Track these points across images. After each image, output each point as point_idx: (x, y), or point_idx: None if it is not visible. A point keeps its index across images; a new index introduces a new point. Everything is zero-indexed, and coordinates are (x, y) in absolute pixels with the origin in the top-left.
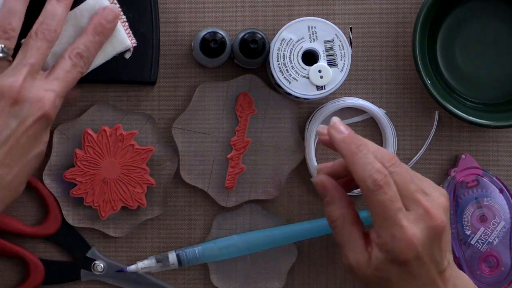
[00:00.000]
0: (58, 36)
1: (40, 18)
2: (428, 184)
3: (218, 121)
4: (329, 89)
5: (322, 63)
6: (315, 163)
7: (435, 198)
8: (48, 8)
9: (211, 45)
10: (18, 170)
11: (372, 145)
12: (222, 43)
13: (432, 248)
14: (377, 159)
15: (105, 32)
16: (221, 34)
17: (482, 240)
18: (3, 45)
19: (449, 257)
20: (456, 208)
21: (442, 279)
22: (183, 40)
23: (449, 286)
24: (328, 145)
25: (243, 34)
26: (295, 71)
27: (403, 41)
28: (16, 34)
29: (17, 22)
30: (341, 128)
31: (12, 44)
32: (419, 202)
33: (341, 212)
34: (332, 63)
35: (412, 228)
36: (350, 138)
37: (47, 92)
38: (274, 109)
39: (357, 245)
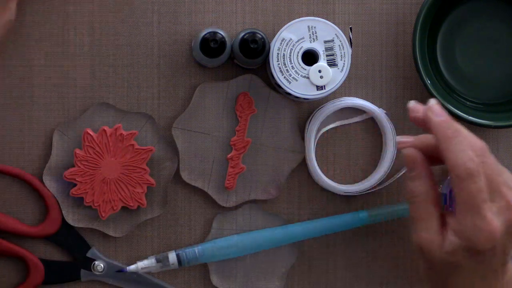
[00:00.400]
0: None
1: None
2: None
3: (218, 121)
4: (329, 89)
5: (322, 63)
6: (315, 163)
7: None
8: None
9: (211, 45)
10: None
11: (466, 133)
12: (222, 43)
13: (506, 241)
14: (471, 149)
15: None
16: (221, 34)
17: None
18: None
19: None
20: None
21: (502, 270)
22: (183, 40)
23: (506, 278)
24: (418, 124)
25: (243, 34)
26: (295, 71)
27: (403, 41)
28: None
29: None
30: (440, 111)
31: None
32: (503, 195)
33: (425, 188)
34: (332, 63)
35: (494, 220)
36: (448, 123)
37: None
38: (274, 109)
39: (433, 226)
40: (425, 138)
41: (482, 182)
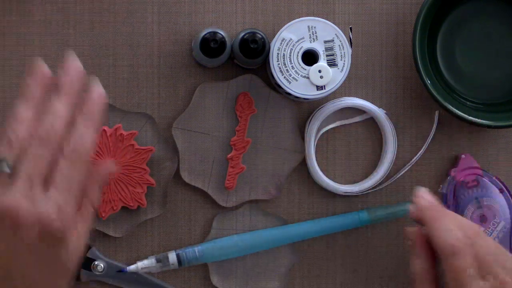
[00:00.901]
0: (59, 138)
1: (39, 121)
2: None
3: (218, 121)
4: (329, 89)
5: (322, 63)
6: (315, 163)
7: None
8: (48, 107)
9: (211, 45)
10: None
11: (456, 215)
12: (222, 43)
13: None
14: (460, 230)
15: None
16: (221, 34)
17: None
18: (7, 162)
19: None
20: (456, 208)
21: None
22: (183, 40)
23: None
24: (416, 220)
25: (243, 34)
26: (295, 71)
27: (403, 41)
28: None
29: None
30: (427, 196)
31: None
32: (496, 274)
33: (424, 267)
34: (332, 63)
35: None
36: (436, 206)
37: (48, 206)
38: (274, 109)
39: None
40: None
41: (470, 260)
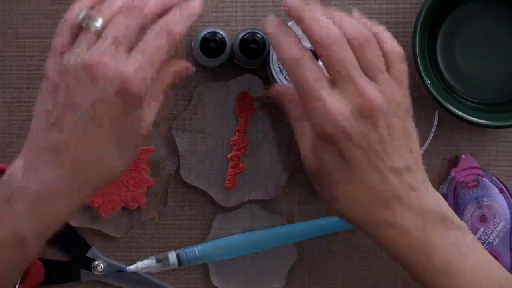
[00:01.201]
0: (150, 15)
1: None
2: (384, 75)
3: (218, 121)
4: None
5: (322, 63)
6: None
7: (383, 84)
8: None
9: (211, 45)
10: (103, 150)
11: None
12: (222, 43)
13: (365, 131)
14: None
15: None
16: (221, 34)
17: (482, 240)
18: (101, 21)
19: (412, 163)
20: (456, 208)
21: (398, 178)
22: (183, 40)
23: (408, 190)
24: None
25: (243, 34)
26: None
27: (403, 41)
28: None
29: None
30: (272, 20)
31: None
32: (353, 80)
33: (295, 104)
34: None
35: (333, 101)
36: (279, 24)
37: (127, 65)
38: (274, 109)
39: (307, 136)
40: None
41: (315, 67)
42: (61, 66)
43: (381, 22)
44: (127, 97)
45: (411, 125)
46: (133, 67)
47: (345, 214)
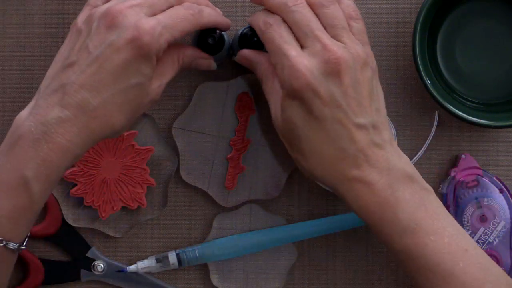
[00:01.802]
0: None
1: None
2: (347, 34)
3: (218, 121)
4: None
5: None
6: None
7: (348, 43)
8: None
9: (209, 41)
10: (108, 97)
11: None
12: (220, 39)
13: (331, 87)
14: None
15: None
16: (219, 30)
17: (482, 240)
18: None
19: (378, 122)
20: (456, 208)
21: (364, 135)
22: (183, 40)
23: (374, 147)
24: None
25: (242, 29)
26: None
27: (403, 41)
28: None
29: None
30: None
31: None
32: (318, 39)
33: (266, 67)
34: None
35: (300, 57)
36: None
37: (146, 20)
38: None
39: (276, 96)
40: None
41: (284, 29)
42: (89, 16)
43: (381, 22)
44: (138, 48)
45: (377, 85)
46: (150, 24)
47: (314, 172)
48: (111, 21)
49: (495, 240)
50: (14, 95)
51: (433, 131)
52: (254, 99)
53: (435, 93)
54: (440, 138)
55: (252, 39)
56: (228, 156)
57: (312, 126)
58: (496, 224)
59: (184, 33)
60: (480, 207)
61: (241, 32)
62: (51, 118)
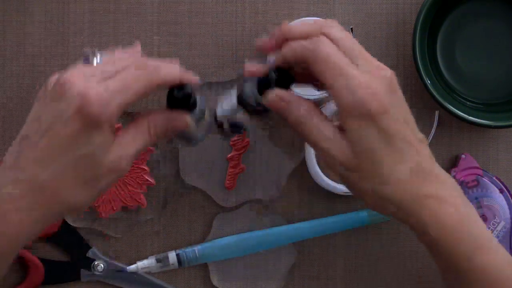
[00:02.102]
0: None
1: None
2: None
3: None
4: None
5: None
6: (315, 163)
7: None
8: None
9: (175, 94)
10: (57, 170)
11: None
12: (189, 93)
13: (393, 104)
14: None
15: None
16: (189, 86)
17: None
18: (99, 57)
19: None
20: None
21: (427, 151)
22: (183, 40)
23: (434, 162)
24: (268, 49)
25: (256, 79)
26: None
27: (403, 41)
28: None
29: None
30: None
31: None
32: (366, 58)
33: (307, 108)
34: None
35: (365, 77)
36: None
37: (93, 87)
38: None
39: (335, 135)
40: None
41: (340, 54)
42: (45, 84)
43: (381, 22)
44: (86, 117)
45: None
46: (97, 90)
47: (392, 195)
48: (59, 91)
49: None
50: (14, 95)
51: (433, 131)
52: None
53: (435, 93)
54: (440, 138)
55: (279, 80)
56: (228, 156)
57: (386, 146)
58: (496, 224)
59: (140, 94)
60: (480, 207)
61: (260, 78)
62: (2, 194)
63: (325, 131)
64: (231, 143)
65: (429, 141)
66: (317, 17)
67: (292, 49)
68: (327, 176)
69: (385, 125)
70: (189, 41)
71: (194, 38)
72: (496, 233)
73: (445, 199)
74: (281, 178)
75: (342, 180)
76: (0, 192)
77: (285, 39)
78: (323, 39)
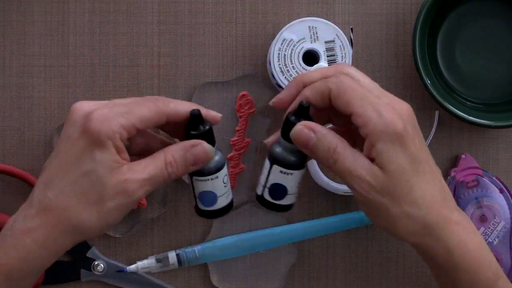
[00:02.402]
0: (171, 112)
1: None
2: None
3: None
4: None
5: (323, 63)
6: (315, 163)
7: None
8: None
9: (191, 132)
10: (62, 188)
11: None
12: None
13: (416, 130)
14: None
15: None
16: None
17: None
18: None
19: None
20: None
21: (440, 175)
22: (184, 40)
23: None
24: (284, 104)
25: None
26: (296, 72)
27: (403, 41)
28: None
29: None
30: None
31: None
32: (388, 94)
33: (338, 137)
34: (333, 64)
35: (386, 102)
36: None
37: (97, 109)
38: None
39: (365, 162)
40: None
41: (362, 87)
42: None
43: (381, 22)
44: (88, 135)
45: None
46: (101, 111)
47: (426, 218)
48: (70, 116)
49: (495, 240)
50: (14, 95)
51: (433, 131)
52: (254, 99)
53: (435, 93)
54: (440, 138)
55: (300, 116)
56: (228, 156)
57: (416, 169)
58: (496, 224)
59: (146, 119)
60: (480, 207)
61: (288, 116)
62: (20, 216)
63: (358, 159)
64: (231, 143)
65: (429, 141)
66: (317, 17)
67: (314, 88)
68: (327, 176)
69: (412, 148)
70: (189, 41)
71: (194, 38)
72: (496, 233)
73: (468, 225)
74: None
75: (374, 209)
76: (18, 216)
77: (303, 86)
78: (344, 75)
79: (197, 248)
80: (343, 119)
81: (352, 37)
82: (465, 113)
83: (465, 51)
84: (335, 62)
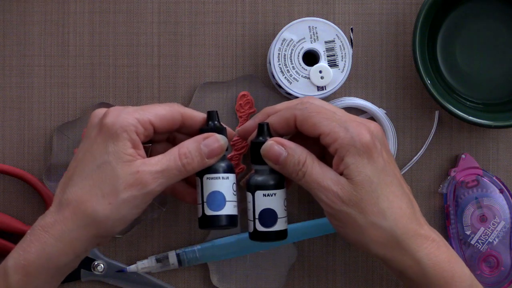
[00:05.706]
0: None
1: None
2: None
3: None
4: (329, 89)
5: (323, 63)
6: None
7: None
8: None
9: (207, 125)
10: (78, 182)
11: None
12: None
13: (383, 144)
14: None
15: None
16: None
17: (482, 240)
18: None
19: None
20: (456, 208)
21: (409, 190)
22: (183, 40)
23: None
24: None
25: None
26: (296, 72)
27: (403, 41)
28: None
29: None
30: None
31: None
32: (354, 116)
33: (306, 151)
34: (333, 64)
35: (353, 119)
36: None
37: (116, 109)
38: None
39: (332, 173)
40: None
41: (319, 102)
42: None
43: (381, 22)
44: (103, 129)
45: None
46: (119, 108)
47: (393, 229)
48: (90, 121)
49: (495, 240)
50: (14, 95)
51: (433, 131)
52: (254, 99)
53: (435, 93)
54: (440, 138)
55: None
56: (228, 156)
57: (382, 180)
58: (496, 224)
59: (161, 116)
60: (480, 207)
61: (252, 141)
62: (42, 216)
63: (326, 171)
64: (231, 143)
65: (429, 141)
66: (317, 17)
67: (279, 115)
68: None
69: (379, 161)
70: (189, 41)
71: (194, 38)
72: (496, 233)
73: (438, 239)
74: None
75: (341, 220)
76: (41, 216)
77: (268, 116)
78: (309, 103)
79: (197, 248)
80: (308, 145)
81: (352, 37)
82: (465, 113)
83: (465, 51)
84: (335, 62)
